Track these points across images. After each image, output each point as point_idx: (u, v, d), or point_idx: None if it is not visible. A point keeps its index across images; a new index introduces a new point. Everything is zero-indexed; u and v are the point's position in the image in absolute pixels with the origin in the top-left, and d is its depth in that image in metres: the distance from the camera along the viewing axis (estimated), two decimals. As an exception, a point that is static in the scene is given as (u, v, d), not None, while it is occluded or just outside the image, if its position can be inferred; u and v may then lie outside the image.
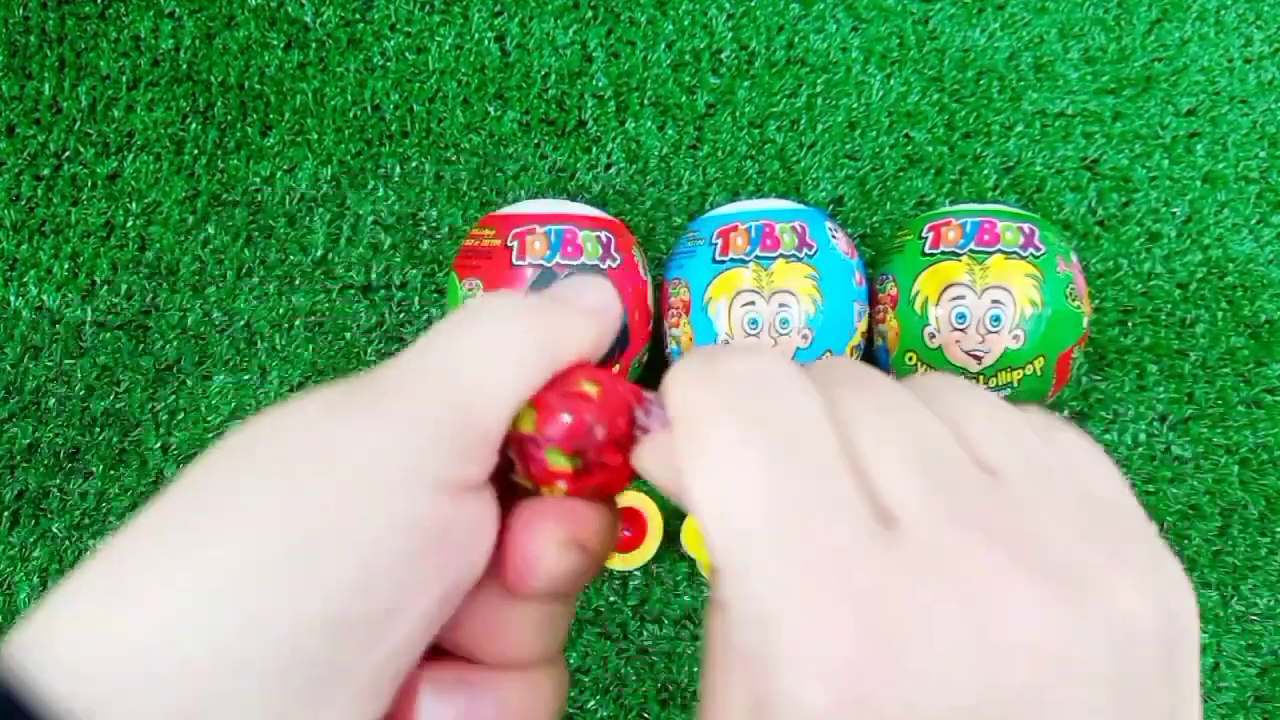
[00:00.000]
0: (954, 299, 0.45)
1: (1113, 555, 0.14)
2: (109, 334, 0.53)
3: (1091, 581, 0.14)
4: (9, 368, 0.53)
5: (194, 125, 0.55)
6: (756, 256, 0.46)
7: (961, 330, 0.45)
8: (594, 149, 0.55)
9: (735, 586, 0.15)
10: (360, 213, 0.55)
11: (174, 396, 0.53)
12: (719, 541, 0.15)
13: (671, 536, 0.50)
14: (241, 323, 0.54)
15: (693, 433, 0.16)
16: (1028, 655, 0.13)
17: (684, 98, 0.56)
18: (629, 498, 0.50)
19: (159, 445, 0.52)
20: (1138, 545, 0.15)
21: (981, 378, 0.45)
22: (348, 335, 0.54)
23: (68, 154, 0.55)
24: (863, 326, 0.48)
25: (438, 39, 0.56)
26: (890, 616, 0.13)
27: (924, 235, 0.47)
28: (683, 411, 0.17)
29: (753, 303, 0.46)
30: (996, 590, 0.14)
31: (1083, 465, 0.16)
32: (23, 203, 0.54)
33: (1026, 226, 0.46)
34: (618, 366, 0.48)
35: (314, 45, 0.56)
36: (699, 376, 0.17)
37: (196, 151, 0.55)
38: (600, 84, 0.56)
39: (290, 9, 0.56)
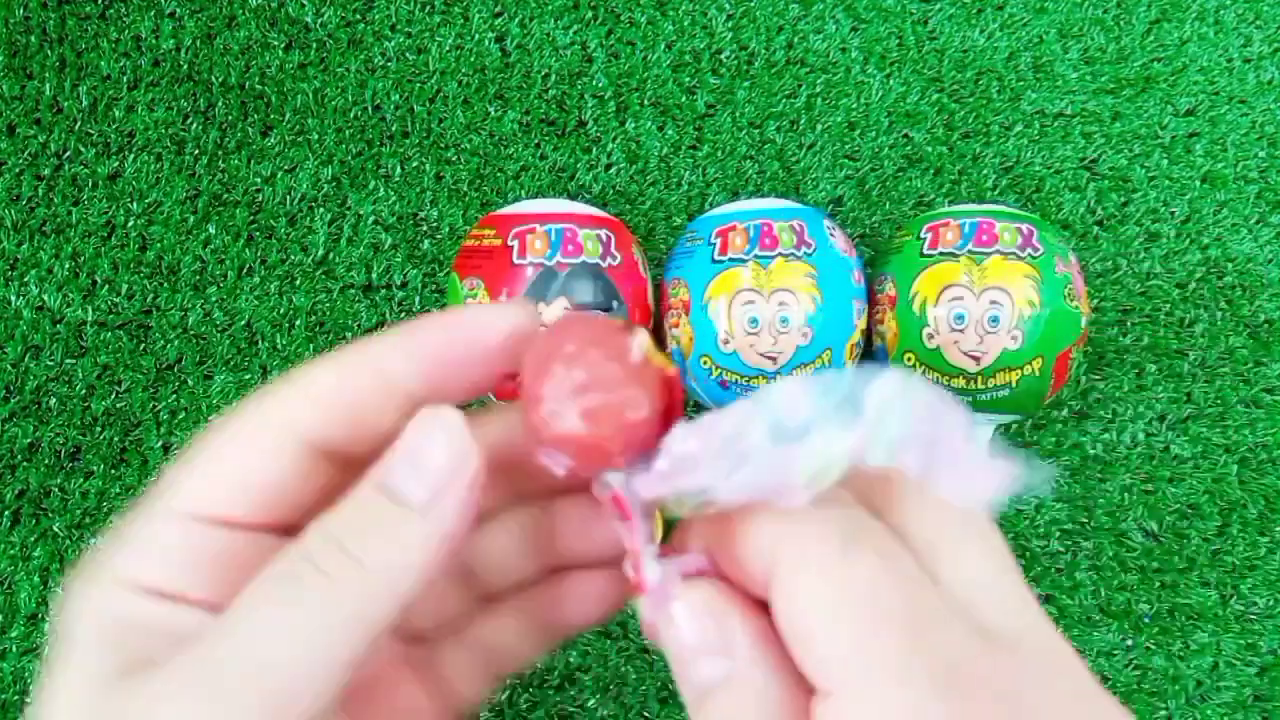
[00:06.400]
0: (952, 300, 0.45)
1: None
2: (110, 333, 0.53)
3: None
4: (9, 367, 0.53)
5: (195, 125, 0.55)
6: (755, 255, 0.46)
7: (960, 331, 0.45)
8: (594, 149, 0.56)
9: (857, 693, 0.16)
10: (361, 213, 0.55)
11: (175, 396, 0.53)
12: (830, 650, 0.16)
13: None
14: (242, 322, 0.54)
15: (805, 556, 0.17)
16: None
17: (684, 98, 0.56)
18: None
19: (160, 445, 0.53)
20: None
21: (980, 378, 0.46)
22: (349, 335, 0.54)
23: (68, 154, 0.55)
24: (862, 324, 0.48)
25: (438, 39, 0.56)
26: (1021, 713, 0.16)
27: (922, 236, 0.47)
28: (784, 542, 0.17)
29: (752, 302, 0.46)
30: (1102, 695, 0.17)
31: None
32: (23, 202, 0.54)
33: (1025, 227, 0.46)
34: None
35: (315, 45, 0.56)
36: (795, 516, 0.17)
37: (197, 151, 0.55)
38: (600, 84, 0.56)
39: (291, 9, 0.56)
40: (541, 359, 0.19)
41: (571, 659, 0.51)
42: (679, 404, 0.19)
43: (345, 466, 0.19)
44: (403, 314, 0.54)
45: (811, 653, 0.16)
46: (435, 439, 0.18)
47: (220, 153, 0.55)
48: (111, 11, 0.56)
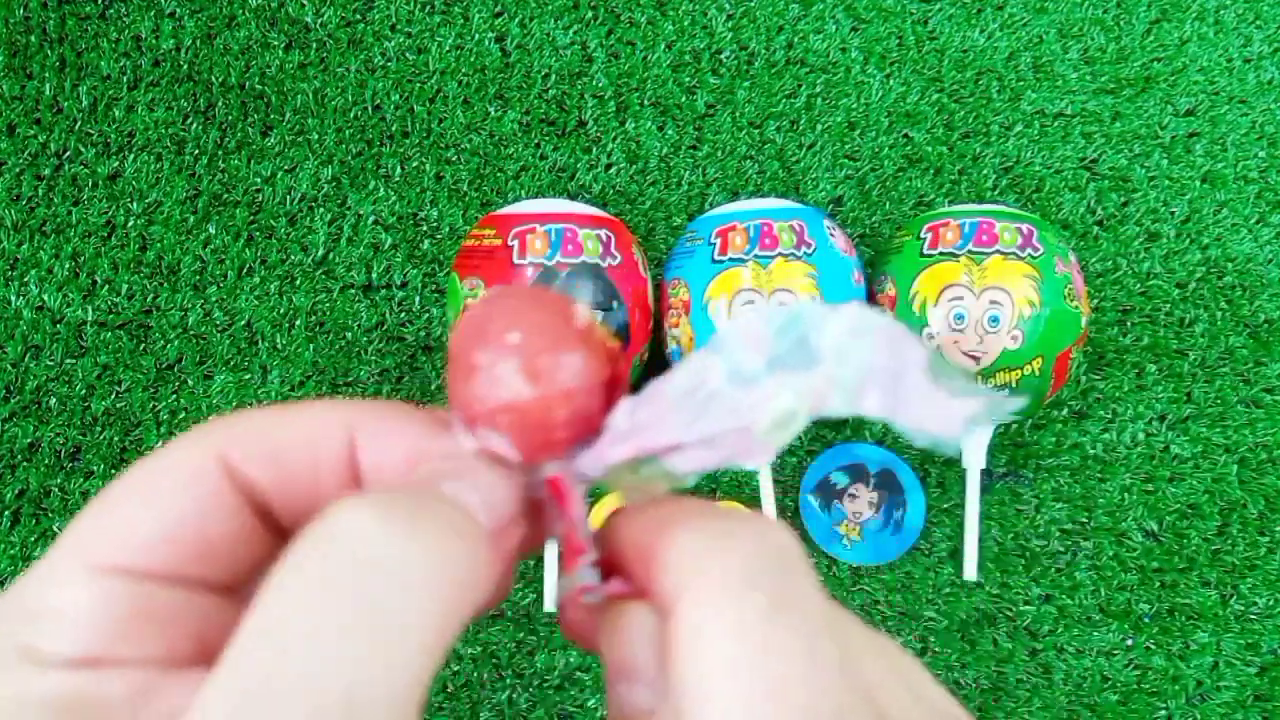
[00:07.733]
0: (952, 300, 0.45)
1: None
2: (110, 333, 0.53)
3: None
4: (10, 367, 0.53)
5: (195, 125, 0.55)
6: (755, 255, 0.46)
7: (960, 331, 0.45)
8: (594, 149, 0.56)
9: None
10: (361, 213, 0.55)
11: (175, 396, 0.53)
12: None
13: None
14: (242, 322, 0.54)
15: (708, 607, 0.14)
16: None
17: (684, 98, 0.56)
18: None
19: (160, 444, 0.53)
20: None
21: (980, 378, 0.45)
22: (349, 335, 0.54)
23: (69, 154, 0.55)
24: (862, 326, 0.48)
25: (438, 39, 0.56)
26: None
27: (922, 236, 0.47)
28: (691, 580, 0.15)
29: (752, 302, 0.46)
30: None
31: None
32: (24, 202, 0.54)
33: (1025, 227, 0.46)
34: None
35: (315, 45, 0.56)
36: (710, 545, 0.15)
37: (197, 151, 0.55)
38: (600, 84, 0.56)
39: (291, 9, 0.56)
40: (476, 326, 0.16)
41: (571, 659, 0.51)
42: (623, 380, 0.17)
43: (277, 530, 0.17)
44: (403, 314, 0.54)
45: (693, 704, 0.14)
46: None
47: (220, 153, 0.55)
48: (111, 11, 0.56)
